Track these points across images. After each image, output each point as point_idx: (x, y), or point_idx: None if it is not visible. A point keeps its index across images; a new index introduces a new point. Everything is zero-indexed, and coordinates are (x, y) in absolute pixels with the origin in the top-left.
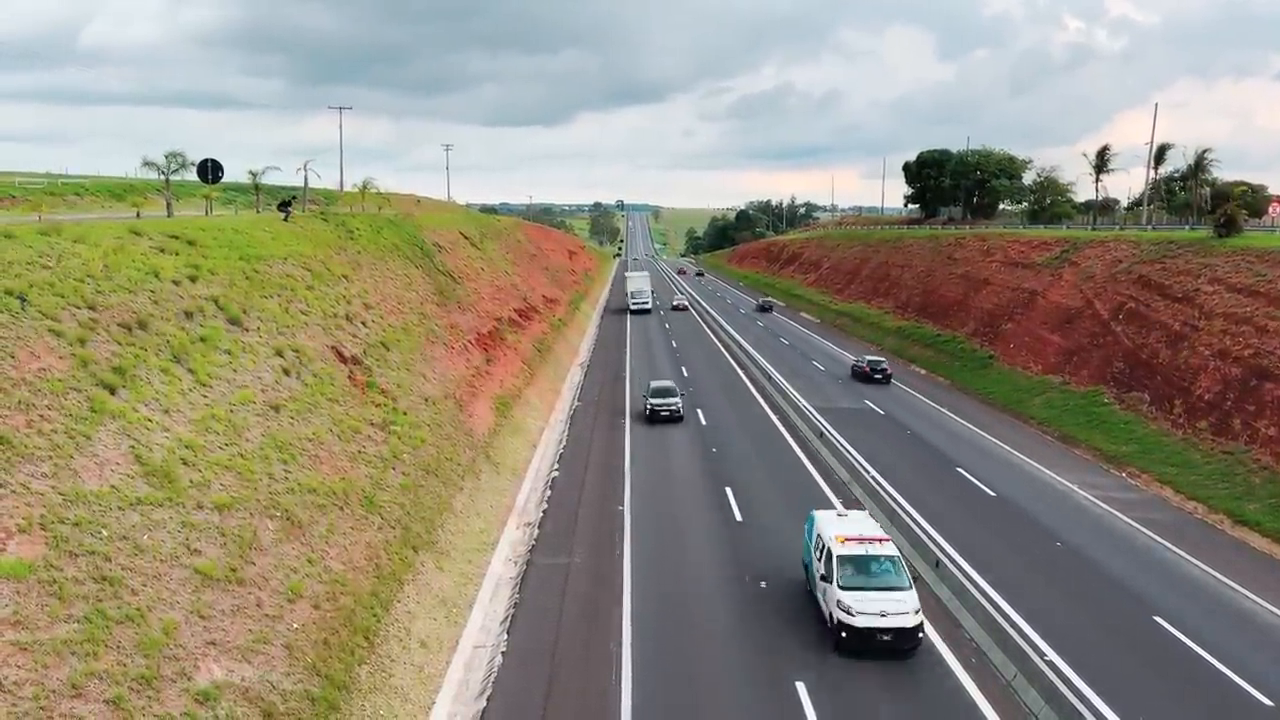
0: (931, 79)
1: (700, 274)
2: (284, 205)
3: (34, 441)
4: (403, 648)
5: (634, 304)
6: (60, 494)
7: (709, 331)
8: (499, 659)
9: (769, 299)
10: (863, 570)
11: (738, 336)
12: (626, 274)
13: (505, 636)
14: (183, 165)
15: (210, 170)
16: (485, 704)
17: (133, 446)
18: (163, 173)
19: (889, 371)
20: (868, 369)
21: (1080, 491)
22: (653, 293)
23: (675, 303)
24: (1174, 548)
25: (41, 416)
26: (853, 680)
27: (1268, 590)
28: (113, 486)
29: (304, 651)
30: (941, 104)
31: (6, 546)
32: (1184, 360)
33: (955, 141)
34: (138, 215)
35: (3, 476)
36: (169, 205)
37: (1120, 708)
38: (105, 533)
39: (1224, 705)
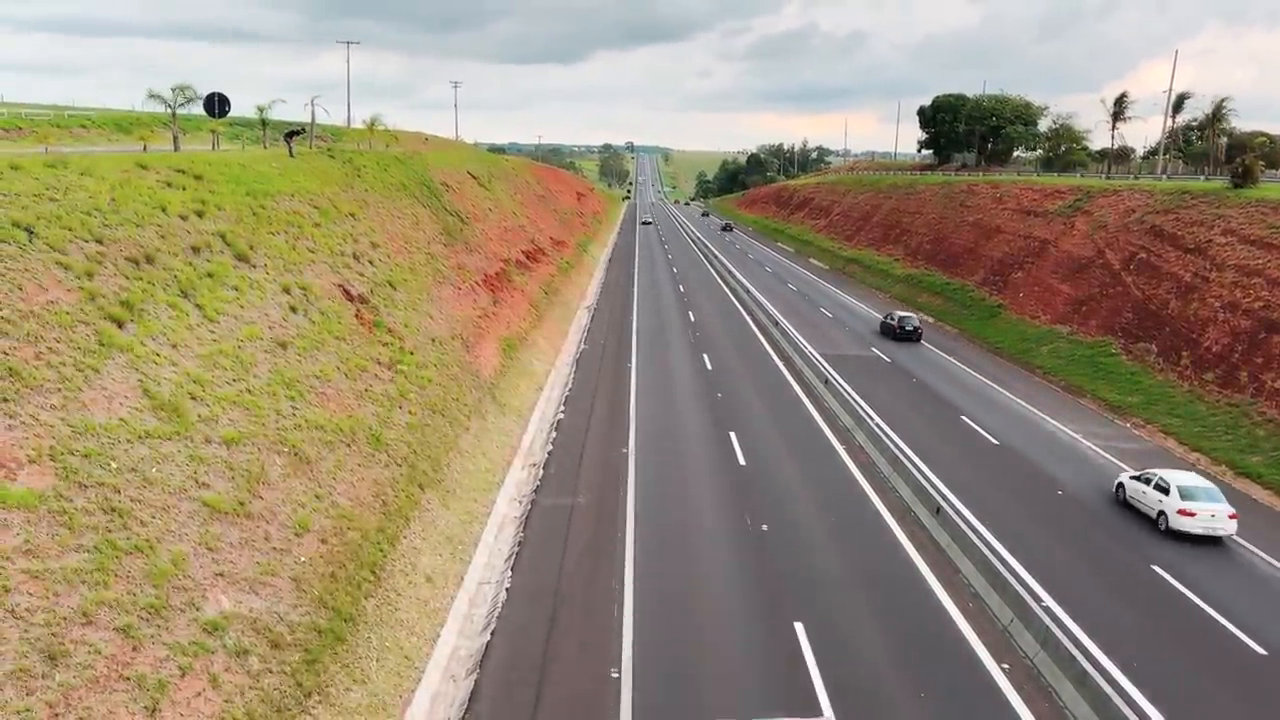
0: (958, 22)
1: (686, 203)
2: (289, 136)
3: (42, 373)
4: (409, 582)
5: None
6: (69, 426)
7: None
8: (503, 595)
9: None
10: None
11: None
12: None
13: (509, 573)
14: (190, 99)
15: (217, 104)
16: (489, 637)
17: (141, 380)
18: (169, 106)
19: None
20: (723, 226)
21: (1084, 441)
22: None
23: None
24: None
25: (50, 349)
26: (847, 622)
27: (1267, 541)
28: (121, 419)
29: (311, 584)
30: (967, 48)
31: (17, 476)
32: (1193, 312)
33: (979, 87)
34: (144, 149)
35: (12, 408)
36: (175, 139)
37: (1116, 654)
38: (114, 464)
39: (1220, 654)
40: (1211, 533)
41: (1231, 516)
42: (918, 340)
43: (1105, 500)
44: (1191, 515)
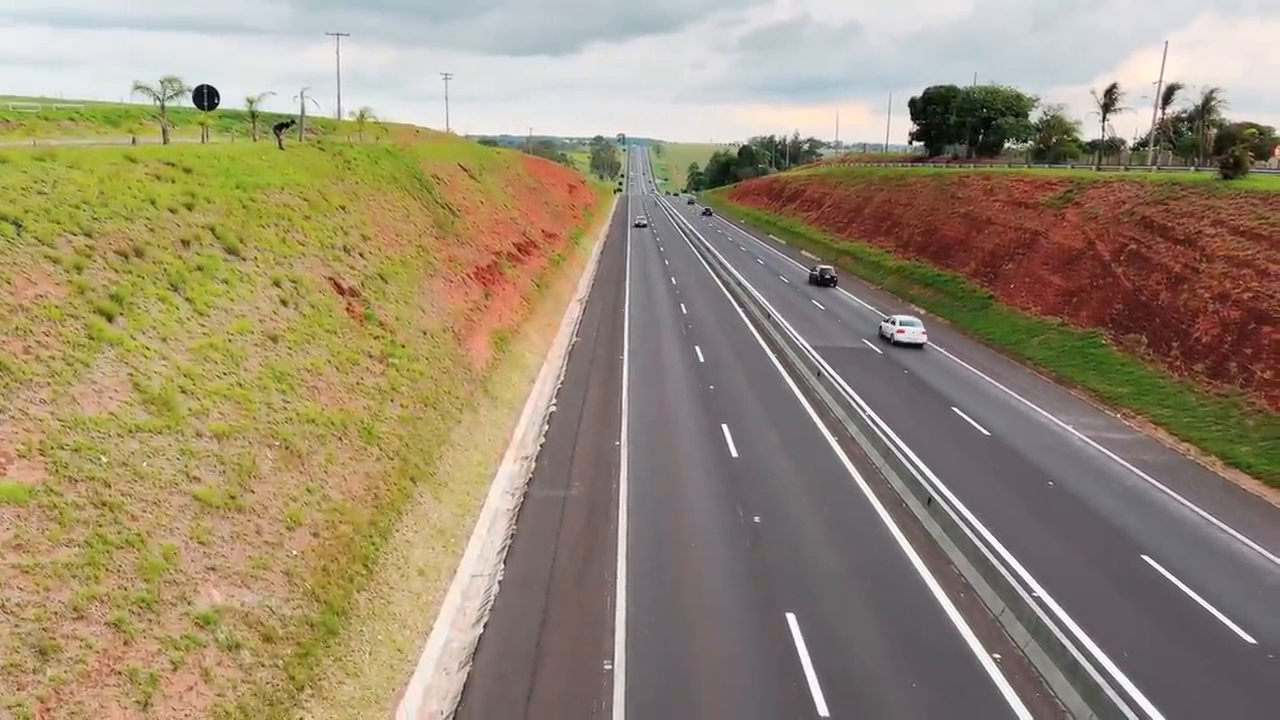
0: (952, 12)
1: (677, 194)
2: (279, 129)
3: (32, 368)
4: (401, 576)
5: None
6: (59, 420)
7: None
8: (495, 588)
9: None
10: None
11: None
12: None
13: (502, 566)
14: (179, 91)
15: (206, 96)
16: (482, 630)
17: (131, 374)
18: (158, 98)
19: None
20: (704, 212)
21: (1074, 432)
22: None
23: None
24: (1165, 488)
25: (39, 343)
26: (841, 616)
27: (1255, 531)
28: (111, 414)
29: (303, 578)
30: (960, 39)
31: (6, 471)
32: (1183, 303)
33: (971, 78)
34: (133, 141)
35: (1, 402)
36: (165, 132)
37: (1106, 644)
38: (104, 459)
39: (1210, 643)
40: (912, 341)
41: (922, 334)
42: (833, 286)
43: (1095, 489)
44: (902, 333)
